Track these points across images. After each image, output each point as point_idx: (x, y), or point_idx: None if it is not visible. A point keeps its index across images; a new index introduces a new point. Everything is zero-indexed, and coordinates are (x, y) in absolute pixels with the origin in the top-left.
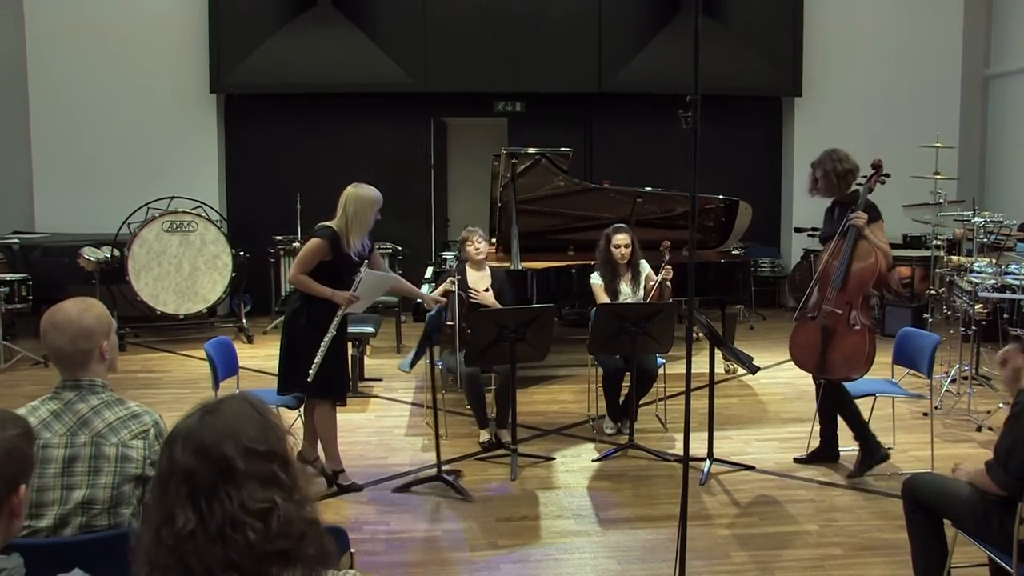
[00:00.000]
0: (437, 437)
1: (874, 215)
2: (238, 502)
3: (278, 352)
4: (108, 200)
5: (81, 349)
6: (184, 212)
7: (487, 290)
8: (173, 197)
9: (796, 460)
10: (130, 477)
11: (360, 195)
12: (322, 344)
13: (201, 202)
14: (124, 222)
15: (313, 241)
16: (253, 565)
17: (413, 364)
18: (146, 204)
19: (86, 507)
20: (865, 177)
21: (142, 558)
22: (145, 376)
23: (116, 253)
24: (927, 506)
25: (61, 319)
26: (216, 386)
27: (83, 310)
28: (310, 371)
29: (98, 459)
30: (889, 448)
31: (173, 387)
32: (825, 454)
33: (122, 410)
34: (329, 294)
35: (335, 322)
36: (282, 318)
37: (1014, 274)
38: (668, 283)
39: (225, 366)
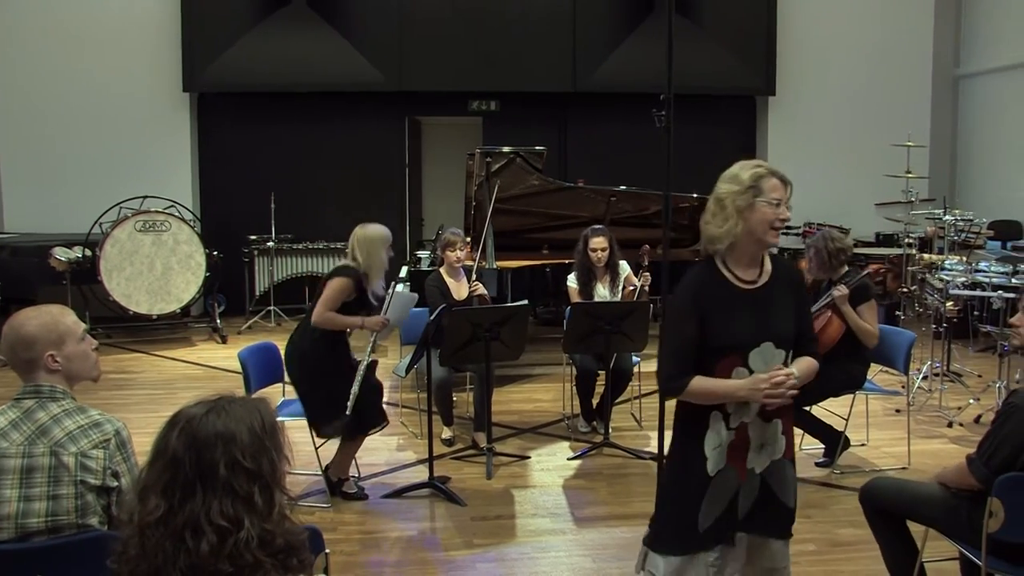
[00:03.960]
0: (431, 443)
1: (865, 295)
2: (206, 509)
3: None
4: (79, 200)
5: (22, 359)
6: (157, 212)
7: (475, 283)
8: (146, 197)
9: (818, 464)
10: (90, 487)
11: (368, 236)
12: (357, 374)
13: (174, 201)
14: (96, 222)
15: (338, 280)
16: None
17: (409, 369)
18: (118, 204)
19: (50, 519)
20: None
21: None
22: (117, 377)
23: (88, 253)
24: (886, 510)
25: (7, 325)
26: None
27: (29, 318)
28: (348, 403)
29: (58, 469)
30: (862, 444)
31: (146, 388)
32: (833, 441)
33: (83, 418)
34: (359, 322)
35: (368, 347)
36: (255, 319)
37: (983, 272)
38: (645, 288)
39: (262, 374)
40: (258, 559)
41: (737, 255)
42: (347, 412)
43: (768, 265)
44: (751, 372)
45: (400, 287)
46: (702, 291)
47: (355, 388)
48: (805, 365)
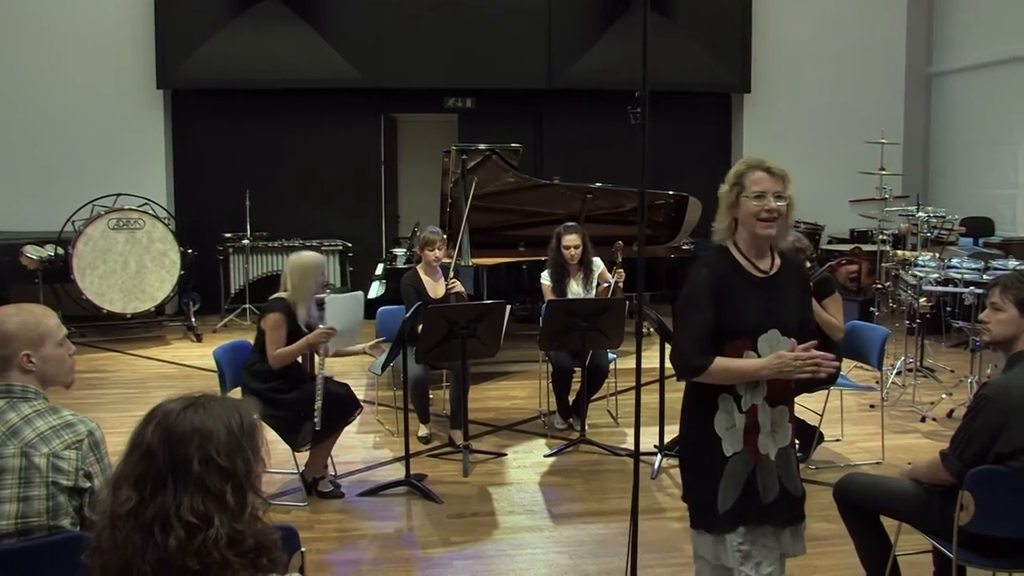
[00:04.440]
0: (407, 441)
1: (828, 289)
2: (176, 504)
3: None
4: (52, 197)
5: None
6: (131, 209)
7: (452, 281)
8: (119, 194)
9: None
10: (62, 488)
11: (299, 264)
12: (317, 389)
13: (148, 199)
14: (68, 220)
15: (271, 317)
16: (160, 572)
17: (385, 367)
18: (91, 201)
19: (21, 521)
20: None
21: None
22: (91, 376)
23: (60, 251)
24: (859, 505)
25: None
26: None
27: (9, 316)
28: (315, 419)
29: (28, 470)
30: (837, 440)
31: (120, 387)
32: (808, 437)
33: (55, 419)
34: (304, 341)
35: (319, 362)
36: (231, 317)
37: (956, 268)
38: (620, 285)
39: (237, 372)
40: (226, 558)
41: (746, 246)
42: (316, 427)
43: (777, 258)
44: (759, 356)
45: (329, 293)
46: (718, 276)
47: (318, 403)
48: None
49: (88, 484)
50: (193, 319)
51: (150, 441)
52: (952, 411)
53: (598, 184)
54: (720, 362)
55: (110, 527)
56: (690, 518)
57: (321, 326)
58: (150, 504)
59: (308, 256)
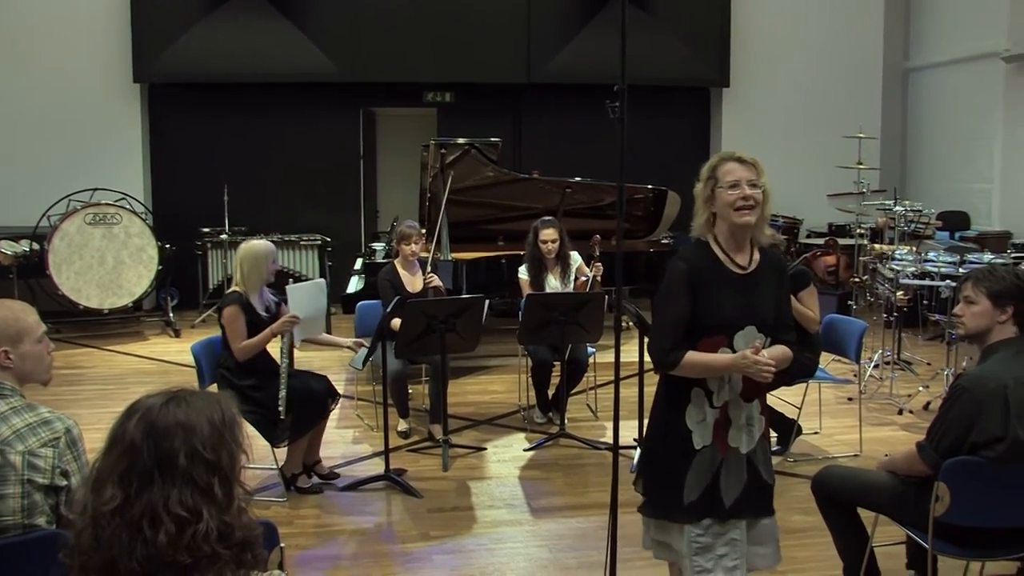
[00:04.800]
0: (387, 436)
1: (804, 281)
2: (164, 498)
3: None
4: (27, 192)
5: None
6: (107, 204)
7: (430, 275)
8: (96, 189)
9: (771, 453)
10: (38, 486)
11: (249, 253)
12: (281, 379)
13: (125, 194)
14: (44, 215)
15: (227, 311)
16: (149, 568)
17: (366, 361)
18: (67, 196)
19: None
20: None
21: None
22: (68, 372)
23: (35, 247)
24: (836, 498)
25: None
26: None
27: None
28: (280, 409)
29: (3, 468)
30: (815, 432)
31: (97, 383)
32: (786, 430)
33: (32, 416)
34: (269, 331)
35: (283, 351)
36: (209, 312)
37: (932, 261)
38: (597, 279)
39: (215, 367)
40: (216, 551)
41: (725, 240)
42: (281, 417)
43: (756, 254)
44: (733, 352)
45: (292, 283)
46: (695, 270)
47: (282, 392)
48: (778, 352)
49: (65, 482)
50: (171, 314)
51: (133, 436)
52: (929, 403)
53: (577, 178)
54: (691, 356)
55: (92, 526)
56: (648, 508)
57: (285, 315)
58: (136, 500)
59: (257, 244)
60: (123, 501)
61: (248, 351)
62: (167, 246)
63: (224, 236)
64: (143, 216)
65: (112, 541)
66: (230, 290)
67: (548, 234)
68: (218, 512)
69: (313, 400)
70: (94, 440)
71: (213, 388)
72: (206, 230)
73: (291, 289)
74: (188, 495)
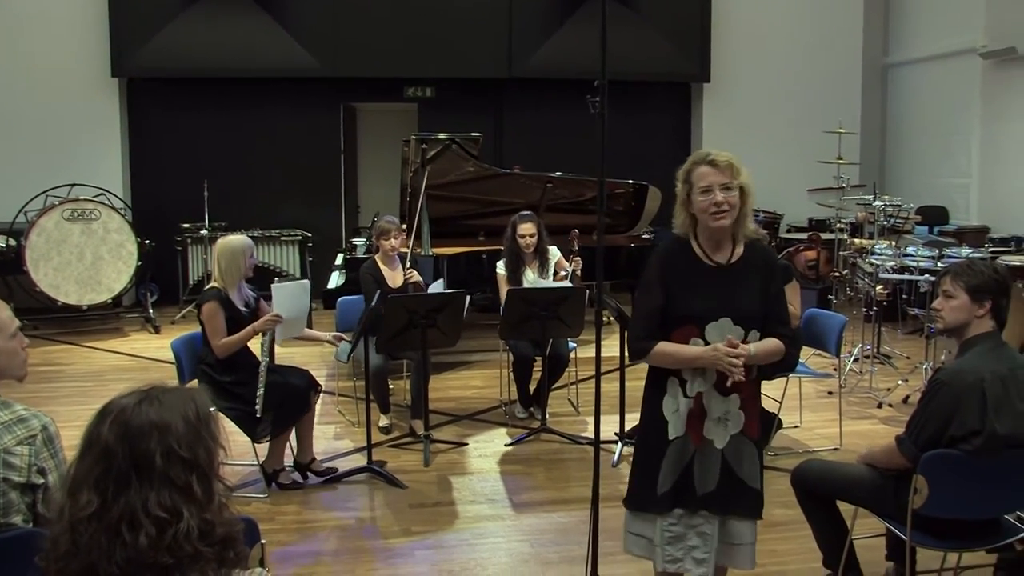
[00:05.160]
0: (369, 430)
1: (786, 276)
2: (143, 501)
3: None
4: (2, 188)
5: None
6: (86, 200)
7: (410, 271)
8: (74, 184)
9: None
10: (14, 485)
11: (227, 248)
12: (260, 376)
13: (104, 189)
14: (20, 210)
15: (206, 307)
16: (130, 571)
17: (350, 355)
18: (45, 192)
19: None
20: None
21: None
22: (46, 369)
23: (12, 242)
24: (815, 492)
25: None
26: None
27: None
28: (257, 406)
29: None
30: (796, 426)
31: (75, 380)
32: (767, 423)
33: (7, 414)
34: (251, 329)
35: (263, 348)
36: (189, 308)
37: (911, 256)
38: (577, 273)
39: (195, 364)
40: (198, 550)
41: (704, 239)
42: (257, 414)
43: (740, 248)
44: (706, 343)
45: (278, 282)
46: (669, 263)
47: (260, 390)
48: (765, 345)
49: (42, 480)
50: (151, 310)
51: (107, 439)
52: (908, 397)
53: (558, 173)
54: (661, 346)
55: (69, 531)
56: (628, 499)
57: (268, 314)
58: (114, 504)
59: (234, 239)
60: (100, 506)
61: (228, 348)
62: (147, 242)
63: (204, 232)
64: (122, 212)
65: (91, 546)
66: (208, 286)
67: (526, 229)
68: (198, 510)
69: (294, 395)
70: (72, 438)
71: (194, 384)
72: (186, 226)
73: (276, 288)
74: (167, 495)
